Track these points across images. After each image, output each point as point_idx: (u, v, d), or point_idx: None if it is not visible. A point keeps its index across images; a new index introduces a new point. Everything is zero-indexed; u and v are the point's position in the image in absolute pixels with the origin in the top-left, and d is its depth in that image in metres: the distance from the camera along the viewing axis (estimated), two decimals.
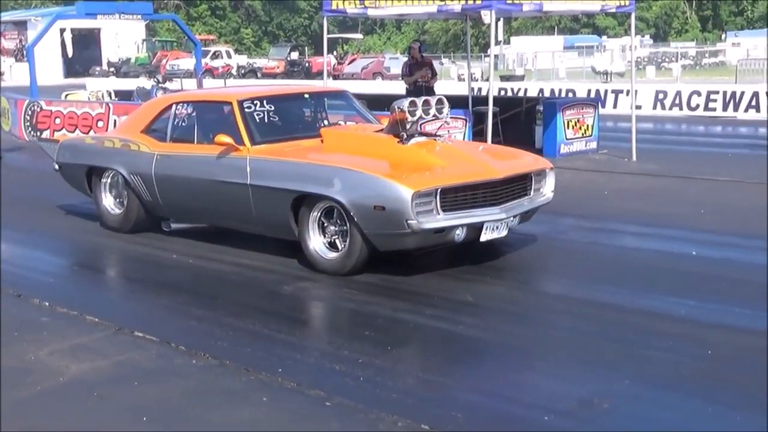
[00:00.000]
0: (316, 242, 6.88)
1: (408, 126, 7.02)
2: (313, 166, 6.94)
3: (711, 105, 21.71)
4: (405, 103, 6.98)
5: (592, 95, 22.63)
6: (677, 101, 22.36)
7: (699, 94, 22.12)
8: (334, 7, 12.99)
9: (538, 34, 68.75)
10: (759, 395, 4.44)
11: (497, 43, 26.79)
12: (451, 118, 9.75)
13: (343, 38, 59.34)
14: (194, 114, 8.12)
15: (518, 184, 7.05)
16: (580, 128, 14.06)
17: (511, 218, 6.84)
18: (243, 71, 47.25)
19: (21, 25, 53.71)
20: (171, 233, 8.18)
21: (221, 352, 5.16)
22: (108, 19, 23.37)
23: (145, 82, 21.89)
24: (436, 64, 17.02)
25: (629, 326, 5.54)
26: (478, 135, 12.71)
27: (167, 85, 19.19)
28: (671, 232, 8.22)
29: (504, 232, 6.88)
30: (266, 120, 7.75)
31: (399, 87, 15.04)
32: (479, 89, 22.11)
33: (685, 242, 7.74)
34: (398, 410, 4.30)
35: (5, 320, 5.83)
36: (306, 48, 55.32)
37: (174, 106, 8.23)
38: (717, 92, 21.84)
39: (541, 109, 14.14)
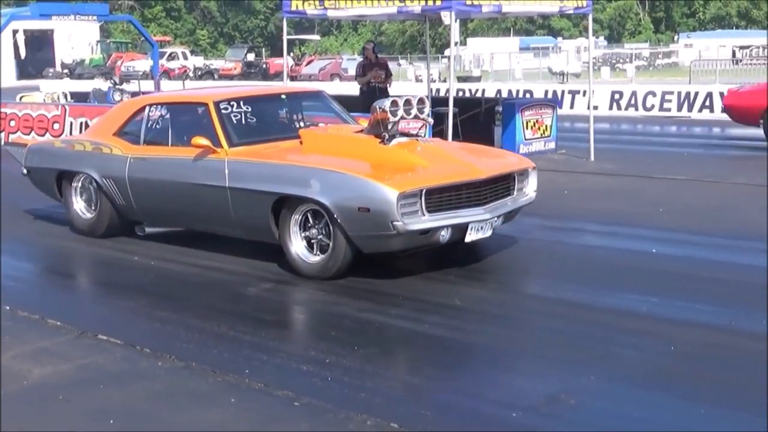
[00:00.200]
0: (297, 246, 6.73)
1: (389, 126, 6.86)
2: (294, 168, 6.82)
3: (666, 105, 21.95)
4: (386, 103, 6.85)
5: (549, 96, 22.83)
6: (633, 101, 22.59)
7: (654, 94, 22.38)
8: (293, 8, 12.93)
9: (494, 35, 69.14)
10: (721, 389, 4.51)
11: (455, 44, 26.88)
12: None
13: (301, 39, 59.24)
14: (168, 116, 7.97)
15: (502, 184, 7.02)
16: (539, 129, 14.13)
17: (495, 218, 6.81)
18: (200, 72, 46.98)
19: None
20: (141, 237, 8.05)
21: (187, 354, 5.12)
22: (62, 19, 23.11)
23: (102, 84, 21.61)
24: (393, 65, 17.06)
25: (594, 324, 5.60)
26: (438, 136, 12.71)
27: (124, 86, 19.01)
28: (632, 231, 8.31)
29: (488, 233, 6.85)
30: (243, 121, 7.64)
31: (357, 88, 15.03)
32: (437, 90, 22.21)
33: (645, 240, 7.84)
34: (367, 409, 4.30)
35: None
36: (263, 49, 55.10)
37: (147, 108, 8.09)
38: (672, 93, 22.08)
39: (500, 109, 14.18)
